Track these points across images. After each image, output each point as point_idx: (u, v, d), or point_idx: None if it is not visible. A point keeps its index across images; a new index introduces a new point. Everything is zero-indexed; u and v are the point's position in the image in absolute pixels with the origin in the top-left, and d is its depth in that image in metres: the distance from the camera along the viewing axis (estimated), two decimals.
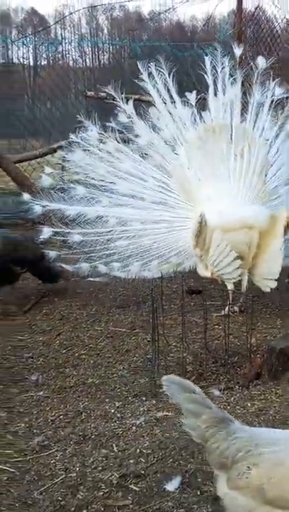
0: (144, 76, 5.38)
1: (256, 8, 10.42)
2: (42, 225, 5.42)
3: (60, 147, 8.01)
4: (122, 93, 5.40)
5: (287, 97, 5.57)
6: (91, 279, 5.32)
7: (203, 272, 4.85)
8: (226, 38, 10.00)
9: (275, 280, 4.78)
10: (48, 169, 5.70)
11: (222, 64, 5.38)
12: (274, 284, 4.77)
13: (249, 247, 4.80)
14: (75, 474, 2.95)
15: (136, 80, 5.47)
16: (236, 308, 5.00)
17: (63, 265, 5.36)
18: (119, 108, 5.40)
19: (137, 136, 5.36)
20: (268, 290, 4.82)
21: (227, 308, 4.83)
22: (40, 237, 5.43)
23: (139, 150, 5.33)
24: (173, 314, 4.81)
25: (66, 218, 5.16)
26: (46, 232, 5.24)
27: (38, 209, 5.24)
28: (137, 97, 5.76)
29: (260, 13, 10.73)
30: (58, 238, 5.26)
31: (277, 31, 10.82)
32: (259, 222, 4.82)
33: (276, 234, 4.73)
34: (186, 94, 5.54)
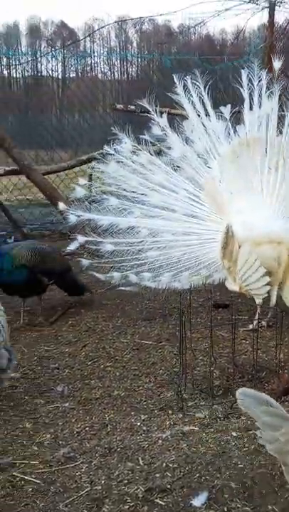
0: (180, 89, 5.39)
1: (288, 22, 10.44)
2: (70, 236, 5.45)
3: (92, 158, 8.08)
4: (156, 106, 5.42)
5: None
6: (122, 288, 5.32)
7: (232, 286, 4.82)
8: (256, 51, 10.03)
9: None
10: (81, 180, 5.74)
11: (259, 77, 5.36)
12: None
13: (278, 263, 4.76)
14: (100, 487, 2.95)
15: (169, 93, 5.47)
16: (264, 323, 4.97)
17: (95, 274, 5.37)
18: (153, 121, 5.42)
19: (169, 148, 5.37)
20: None
21: (255, 322, 4.81)
22: (68, 248, 5.47)
23: (172, 162, 5.34)
24: (200, 328, 4.80)
25: (99, 228, 5.19)
26: (80, 240, 5.27)
27: (73, 218, 5.27)
28: (166, 110, 5.76)
29: None
30: (91, 247, 5.27)
31: None
32: (287, 238, 4.79)
33: None
34: (221, 108, 5.54)
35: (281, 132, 5.23)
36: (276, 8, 9.94)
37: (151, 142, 5.43)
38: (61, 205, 5.57)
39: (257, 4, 9.87)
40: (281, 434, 2.19)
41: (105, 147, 5.47)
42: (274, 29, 9.89)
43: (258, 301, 4.82)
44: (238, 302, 5.10)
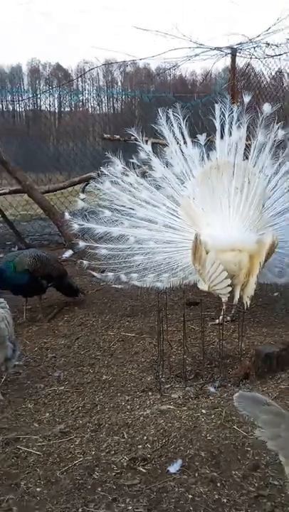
0: (163, 120, 5.40)
1: (247, 66, 10.52)
2: (65, 245, 5.45)
3: (83, 180, 8.09)
4: (142, 136, 5.44)
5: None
6: (116, 285, 5.32)
7: (202, 286, 4.84)
8: (221, 90, 10.10)
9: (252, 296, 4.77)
10: (82, 195, 5.73)
11: (230, 110, 5.37)
12: (249, 302, 4.75)
13: (240, 267, 4.79)
14: (91, 457, 2.95)
15: (152, 124, 5.49)
16: (228, 318, 4.98)
17: (93, 273, 5.37)
18: (140, 147, 5.44)
19: (152, 170, 5.40)
20: (245, 307, 4.77)
21: (221, 317, 4.84)
22: (63, 255, 5.46)
23: (154, 182, 5.36)
24: (175, 322, 4.81)
25: (95, 236, 5.20)
26: (81, 245, 5.27)
27: (75, 227, 5.29)
28: (147, 139, 5.76)
29: (250, 70, 10.82)
30: (89, 251, 5.25)
31: (265, 84, 10.93)
32: (248, 247, 4.81)
33: (259, 258, 4.72)
34: (198, 136, 5.55)
35: (247, 157, 5.23)
36: (237, 54, 10.03)
37: (137, 165, 5.45)
38: (67, 215, 5.56)
39: (221, 51, 9.94)
40: (282, 430, 2.07)
41: (102, 168, 5.48)
42: (235, 71, 9.98)
43: (224, 299, 4.84)
44: (207, 300, 5.13)
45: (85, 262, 5.32)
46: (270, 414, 2.12)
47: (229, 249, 4.78)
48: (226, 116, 5.36)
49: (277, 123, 5.29)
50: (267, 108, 5.24)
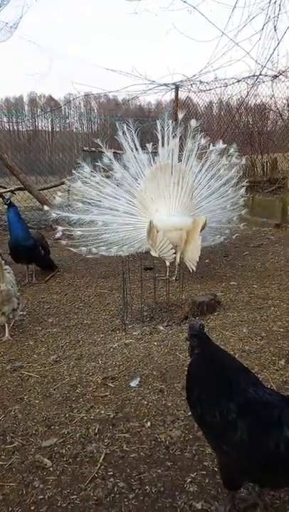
0: (120, 134, 5.28)
1: (186, 98, 10.45)
2: (53, 228, 5.34)
3: (67, 181, 7.90)
4: (107, 146, 5.32)
5: (207, 146, 5.45)
6: (88, 256, 5.19)
7: (153, 254, 4.83)
8: (168, 115, 9.99)
9: (196, 261, 4.77)
10: (59, 193, 5.59)
11: (167, 125, 5.20)
12: (195, 266, 4.74)
13: (180, 240, 4.80)
14: (75, 378, 2.95)
15: (115, 137, 5.35)
16: (173, 277, 5.01)
17: (71, 248, 5.18)
18: (103, 154, 5.30)
19: (114, 172, 5.29)
20: (191, 270, 4.79)
21: (167, 275, 4.85)
22: (55, 236, 5.32)
23: (116, 181, 5.25)
24: (135, 282, 4.80)
25: (72, 222, 5.07)
26: (60, 229, 5.12)
27: (54, 215, 5.14)
28: (113, 150, 5.63)
29: (189, 101, 10.75)
30: (68, 233, 5.14)
31: (199, 111, 10.88)
32: (185, 226, 4.81)
33: (196, 232, 4.73)
34: (146, 144, 5.43)
35: (180, 160, 5.16)
36: (179, 89, 9.93)
37: (103, 169, 5.33)
38: (45, 207, 5.42)
39: (167, 86, 9.83)
40: None
41: (73, 171, 5.36)
42: (178, 101, 9.89)
43: (168, 263, 4.86)
44: (158, 266, 5.12)
45: (63, 242, 5.17)
46: None
47: (173, 229, 4.78)
48: (165, 129, 5.21)
49: (200, 134, 5.25)
50: (193, 123, 5.20)
